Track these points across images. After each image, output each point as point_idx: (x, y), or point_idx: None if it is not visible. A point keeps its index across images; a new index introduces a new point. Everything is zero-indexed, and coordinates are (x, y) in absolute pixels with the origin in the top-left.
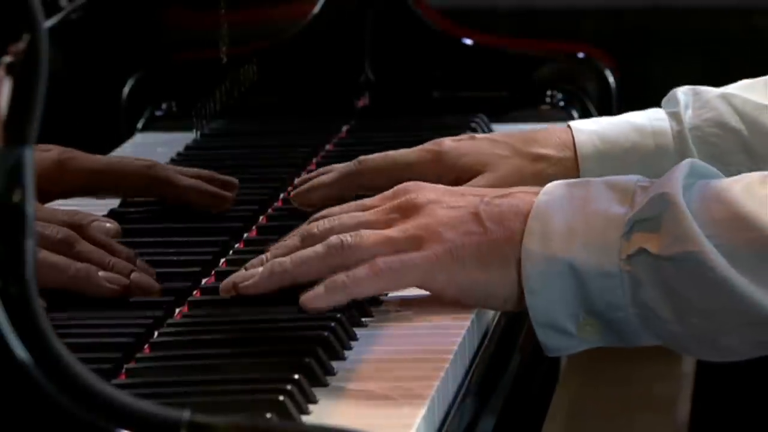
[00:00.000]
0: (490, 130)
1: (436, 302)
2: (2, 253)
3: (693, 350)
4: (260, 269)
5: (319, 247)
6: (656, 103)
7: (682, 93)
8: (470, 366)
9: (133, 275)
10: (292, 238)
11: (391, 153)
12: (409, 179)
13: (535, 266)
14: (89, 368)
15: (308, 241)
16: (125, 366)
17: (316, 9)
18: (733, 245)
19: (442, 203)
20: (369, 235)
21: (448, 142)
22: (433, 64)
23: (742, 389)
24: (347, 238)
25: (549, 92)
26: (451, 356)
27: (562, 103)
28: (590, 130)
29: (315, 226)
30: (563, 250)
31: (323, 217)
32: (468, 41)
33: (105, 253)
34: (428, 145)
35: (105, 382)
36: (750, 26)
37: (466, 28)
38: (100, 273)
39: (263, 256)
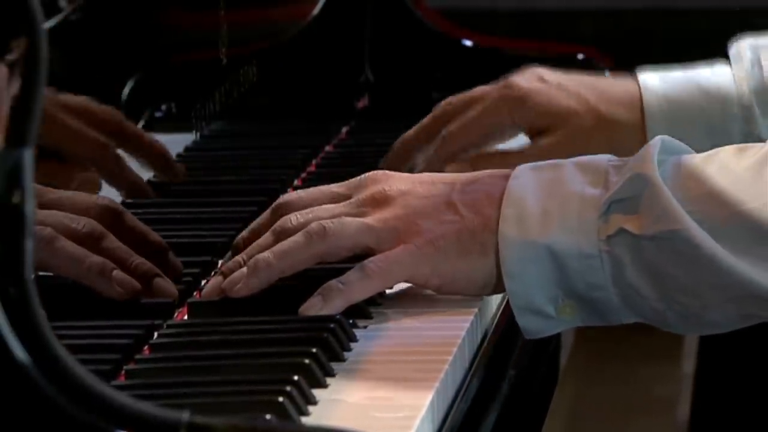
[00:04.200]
0: None
1: (436, 302)
2: (2, 254)
3: (676, 326)
4: (244, 269)
5: (299, 237)
6: None
7: (748, 50)
8: (470, 367)
9: (156, 279)
10: (265, 237)
11: (469, 116)
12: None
13: (513, 251)
14: (88, 369)
15: (283, 235)
16: (124, 367)
17: (316, 10)
18: (714, 221)
19: (414, 193)
20: (350, 222)
21: (523, 84)
22: (432, 65)
23: (743, 391)
24: (329, 224)
25: None
26: (450, 357)
27: None
28: (659, 93)
29: (288, 220)
30: (540, 233)
31: (290, 209)
32: (468, 42)
33: (131, 252)
34: (500, 90)
35: (104, 383)
36: (750, 27)
37: (465, 30)
38: (114, 272)
39: (239, 258)
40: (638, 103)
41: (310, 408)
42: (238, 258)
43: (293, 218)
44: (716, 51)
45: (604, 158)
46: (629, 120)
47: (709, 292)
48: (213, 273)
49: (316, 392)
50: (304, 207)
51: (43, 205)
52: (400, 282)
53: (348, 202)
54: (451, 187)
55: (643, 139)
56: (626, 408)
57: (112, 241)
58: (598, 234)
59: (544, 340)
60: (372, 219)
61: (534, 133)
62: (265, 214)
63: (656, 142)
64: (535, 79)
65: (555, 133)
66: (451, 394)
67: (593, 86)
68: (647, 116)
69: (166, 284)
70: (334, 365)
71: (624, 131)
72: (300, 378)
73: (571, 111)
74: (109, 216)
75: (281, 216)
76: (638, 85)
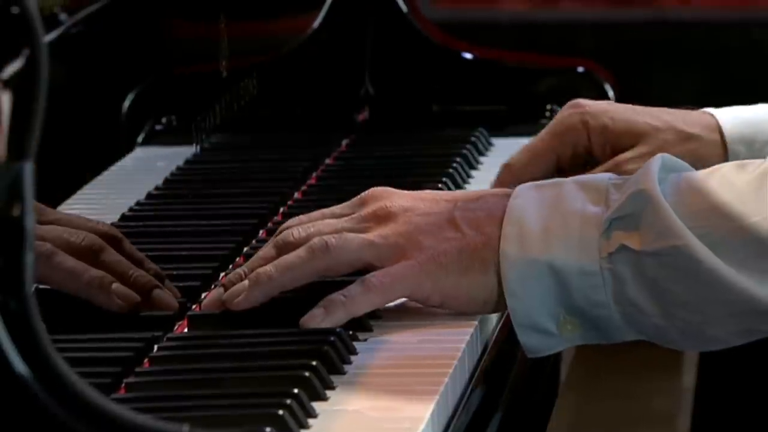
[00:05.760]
0: (490, 144)
1: (436, 315)
2: (2, 267)
3: (677, 343)
4: (246, 282)
5: (302, 251)
6: None
7: None
8: (470, 379)
9: (155, 292)
10: (266, 249)
11: (530, 145)
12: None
13: (514, 269)
14: (88, 382)
15: (285, 249)
16: (125, 380)
17: (316, 23)
18: (716, 236)
19: (416, 210)
20: (353, 238)
21: (591, 105)
22: (432, 77)
23: (743, 405)
24: (331, 239)
25: (548, 106)
26: (451, 370)
27: None
28: (733, 115)
29: (290, 234)
30: (541, 251)
31: (291, 226)
32: (467, 55)
33: (130, 265)
34: (568, 110)
35: (104, 396)
36: (749, 40)
37: (465, 42)
38: (114, 285)
39: (240, 270)
40: (715, 125)
41: (310, 421)
42: (239, 270)
43: (295, 232)
44: (715, 64)
45: (604, 176)
46: (709, 137)
47: (711, 308)
48: (213, 286)
49: (316, 405)
50: None
51: (42, 224)
52: (401, 297)
53: (350, 217)
54: (453, 204)
55: (725, 157)
56: (626, 421)
57: (112, 254)
58: (600, 251)
59: None
60: (374, 235)
61: (608, 155)
62: (270, 241)
63: (657, 159)
64: (602, 102)
65: (637, 148)
66: (451, 406)
67: (663, 110)
68: (727, 137)
69: (166, 296)
70: (334, 378)
71: (705, 148)
72: (300, 391)
73: (651, 127)
74: (107, 241)
75: None
76: (710, 114)
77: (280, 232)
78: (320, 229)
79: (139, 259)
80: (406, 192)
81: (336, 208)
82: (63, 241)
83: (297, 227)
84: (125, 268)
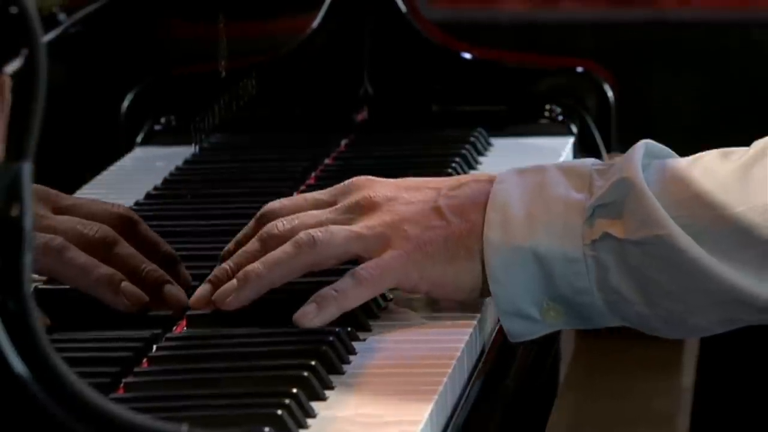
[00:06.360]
0: (489, 144)
1: (435, 315)
2: (1, 267)
3: (660, 330)
4: (234, 282)
5: (288, 247)
6: (655, 118)
7: None
8: (469, 379)
9: (166, 287)
10: (251, 244)
11: None
12: None
13: (498, 256)
14: (87, 382)
15: (271, 243)
16: (123, 380)
17: (315, 23)
18: (699, 225)
19: (400, 199)
20: (339, 230)
21: None
22: (432, 77)
23: (742, 406)
24: (317, 233)
25: (548, 106)
26: (450, 370)
27: (560, 117)
28: None
29: (274, 227)
30: (525, 237)
31: (275, 217)
32: (467, 55)
33: (143, 259)
34: None
35: (103, 396)
36: (748, 40)
37: (464, 42)
38: (123, 284)
39: (226, 266)
40: None
41: (309, 421)
42: (225, 266)
43: (279, 224)
44: (715, 65)
45: (588, 162)
46: None
47: (693, 297)
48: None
49: (315, 405)
50: (289, 215)
51: (58, 211)
52: (389, 287)
53: (334, 208)
54: (437, 192)
55: None
56: (625, 421)
57: (125, 248)
58: (583, 238)
59: (543, 352)
60: (359, 226)
61: None
62: (250, 224)
63: (640, 146)
64: None
65: None
66: (450, 406)
67: None
68: None
69: (176, 292)
70: (333, 378)
71: None
72: (299, 391)
73: None
74: (123, 224)
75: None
76: None
77: (263, 217)
78: (304, 221)
79: (155, 242)
80: (389, 180)
81: (318, 194)
82: (76, 233)
83: (281, 220)
84: (138, 262)
